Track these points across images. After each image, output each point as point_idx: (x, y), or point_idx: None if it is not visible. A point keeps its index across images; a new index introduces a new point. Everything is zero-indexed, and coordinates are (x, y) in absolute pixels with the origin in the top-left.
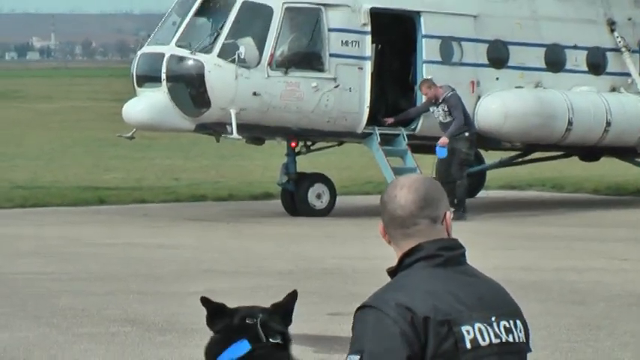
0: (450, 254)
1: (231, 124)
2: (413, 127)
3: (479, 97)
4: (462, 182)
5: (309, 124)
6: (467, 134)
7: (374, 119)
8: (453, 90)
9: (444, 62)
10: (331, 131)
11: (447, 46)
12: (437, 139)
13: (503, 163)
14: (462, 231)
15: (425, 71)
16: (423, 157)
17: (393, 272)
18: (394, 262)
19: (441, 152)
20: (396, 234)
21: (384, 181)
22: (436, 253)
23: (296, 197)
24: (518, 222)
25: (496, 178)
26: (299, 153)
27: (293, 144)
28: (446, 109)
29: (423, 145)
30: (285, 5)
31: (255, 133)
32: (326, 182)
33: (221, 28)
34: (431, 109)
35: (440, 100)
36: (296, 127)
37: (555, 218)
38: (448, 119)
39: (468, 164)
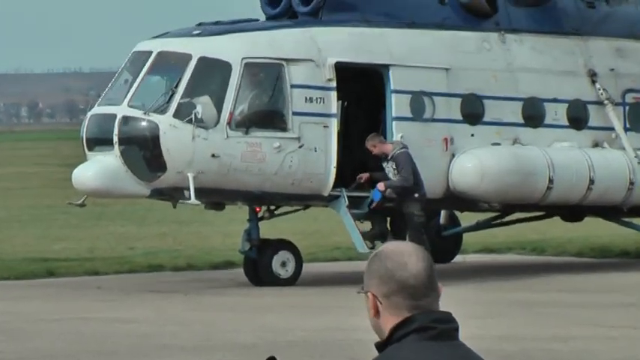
0: (444, 327)
1: (188, 189)
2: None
3: (453, 155)
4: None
5: (272, 187)
6: (416, 195)
7: (341, 181)
8: (403, 147)
9: (415, 118)
10: (296, 194)
11: (418, 101)
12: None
13: (480, 226)
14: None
15: (395, 128)
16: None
17: (382, 345)
18: (368, 334)
19: (377, 195)
20: (402, 304)
21: (352, 246)
22: (430, 325)
23: (259, 265)
24: (497, 288)
25: (473, 242)
26: (262, 218)
27: (256, 209)
28: (394, 166)
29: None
30: (245, 61)
31: (215, 197)
32: (291, 249)
33: (176, 86)
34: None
35: (389, 157)
36: (258, 191)
37: (537, 283)
38: (397, 178)
39: (422, 226)
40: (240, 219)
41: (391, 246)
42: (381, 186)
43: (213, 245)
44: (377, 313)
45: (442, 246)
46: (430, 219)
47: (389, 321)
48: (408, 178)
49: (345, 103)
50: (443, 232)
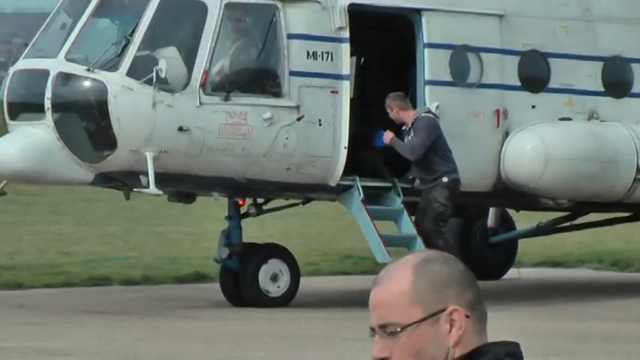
0: None
1: (146, 174)
2: (411, 176)
3: (506, 134)
4: (443, 243)
5: (260, 174)
6: (445, 180)
7: (355, 166)
8: (427, 112)
9: (457, 83)
10: (293, 183)
11: (461, 59)
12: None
13: (542, 230)
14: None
15: (428, 96)
16: None
17: None
18: None
19: (378, 140)
20: (484, 317)
21: (369, 254)
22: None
23: (242, 279)
24: (563, 314)
25: (533, 252)
26: (246, 215)
27: (239, 202)
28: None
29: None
30: (225, 1)
31: (183, 186)
32: (285, 257)
33: (132, 33)
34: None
35: (409, 126)
36: (241, 178)
37: (618, 309)
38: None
39: (444, 220)
40: (216, 216)
41: (434, 250)
42: (388, 135)
43: (179, 251)
44: (460, 338)
45: (490, 256)
46: (473, 220)
47: (472, 343)
48: (415, 148)
49: (362, 61)
50: (491, 237)
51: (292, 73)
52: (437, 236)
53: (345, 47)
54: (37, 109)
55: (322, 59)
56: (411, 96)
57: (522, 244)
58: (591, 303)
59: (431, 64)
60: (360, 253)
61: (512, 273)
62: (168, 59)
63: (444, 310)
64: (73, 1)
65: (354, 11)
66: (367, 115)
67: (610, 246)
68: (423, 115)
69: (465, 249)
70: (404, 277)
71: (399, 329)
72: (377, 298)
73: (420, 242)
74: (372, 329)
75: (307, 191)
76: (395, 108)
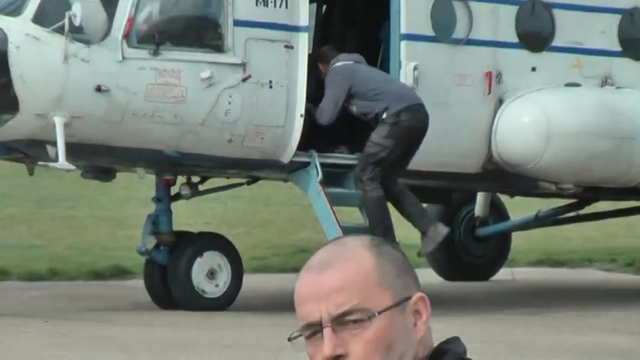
0: None
1: (55, 144)
2: None
3: (500, 102)
4: (366, 195)
5: (195, 146)
6: (384, 116)
7: (313, 139)
8: (343, 60)
9: (440, 38)
10: (236, 159)
11: (445, 9)
12: (429, 174)
13: (541, 221)
14: (466, 336)
15: (404, 53)
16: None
17: None
18: None
19: None
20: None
21: None
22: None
23: (171, 275)
24: (566, 325)
25: (529, 248)
26: (178, 197)
27: (167, 180)
28: None
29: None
30: None
31: (100, 159)
32: (225, 250)
33: None
34: None
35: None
36: (173, 151)
37: (632, 320)
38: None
39: (375, 163)
40: (140, 197)
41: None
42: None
43: (94, 240)
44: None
45: (477, 252)
46: (457, 208)
47: (429, 340)
48: (323, 110)
49: (324, 9)
50: (479, 229)
51: (237, 23)
52: (359, 185)
53: None
54: None
55: (275, 6)
56: (383, 54)
57: (517, 237)
58: (600, 311)
59: (408, 15)
60: (316, 246)
61: (504, 273)
62: (84, 2)
63: (409, 297)
64: None
65: None
66: None
67: (624, 242)
68: (332, 67)
69: (447, 243)
70: (364, 257)
71: (368, 316)
72: (331, 283)
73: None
74: (312, 325)
75: (253, 169)
76: (320, 65)
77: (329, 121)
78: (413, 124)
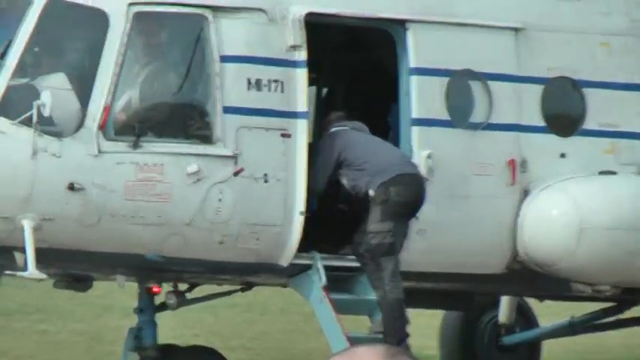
0: None
1: (23, 251)
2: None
3: (525, 193)
4: (391, 298)
5: (182, 249)
6: (371, 193)
7: (314, 238)
8: (341, 127)
9: (456, 123)
10: (228, 263)
11: (461, 89)
12: (446, 276)
13: (576, 328)
14: None
15: (416, 139)
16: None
17: None
18: None
19: None
20: None
21: None
22: None
23: None
24: None
25: (563, 358)
26: (163, 306)
27: (151, 288)
28: None
29: (418, 292)
30: (134, 9)
31: (74, 266)
32: None
33: (3, 54)
34: None
35: None
36: (157, 255)
37: None
38: None
39: (386, 253)
40: (121, 308)
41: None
42: None
43: (69, 357)
44: None
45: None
46: (480, 314)
47: None
48: (312, 181)
49: (324, 93)
50: (504, 337)
51: (227, 110)
52: (377, 284)
53: (301, 73)
54: None
55: (269, 90)
56: (392, 141)
57: (548, 347)
58: None
59: (420, 97)
60: (319, 358)
61: None
62: (55, 90)
63: None
64: None
65: (313, 23)
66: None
67: None
68: (326, 133)
69: (469, 354)
70: None
71: None
72: None
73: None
74: None
75: (248, 274)
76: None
77: (316, 191)
78: (403, 199)
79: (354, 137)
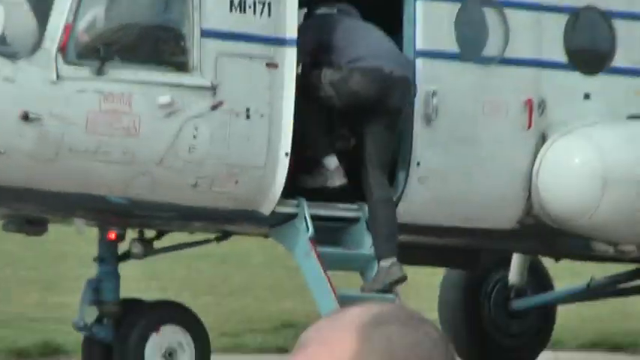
0: None
1: None
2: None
3: (543, 138)
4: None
5: (151, 191)
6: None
7: (298, 182)
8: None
9: (466, 56)
10: (202, 208)
11: (473, 17)
12: (451, 230)
13: (595, 292)
14: None
15: (421, 74)
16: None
17: None
18: None
19: None
20: None
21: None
22: None
23: (118, 357)
24: None
25: (579, 327)
26: (127, 256)
27: (112, 235)
28: None
29: (416, 247)
30: None
31: (27, 207)
32: (188, 324)
33: None
34: None
35: None
36: (121, 197)
37: None
38: None
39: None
40: (78, 256)
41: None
42: None
43: (17, 309)
44: None
45: (512, 331)
46: (487, 274)
47: None
48: None
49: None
50: (514, 301)
51: (206, 34)
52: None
53: None
54: None
55: (254, 12)
56: None
57: (563, 313)
58: None
59: (425, 25)
60: (303, 320)
61: (546, 358)
62: (7, 5)
63: None
64: None
65: None
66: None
67: None
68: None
69: (473, 318)
70: (343, 342)
71: None
72: None
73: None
74: None
75: (225, 221)
76: None
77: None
78: (360, 92)
79: (338, 22)
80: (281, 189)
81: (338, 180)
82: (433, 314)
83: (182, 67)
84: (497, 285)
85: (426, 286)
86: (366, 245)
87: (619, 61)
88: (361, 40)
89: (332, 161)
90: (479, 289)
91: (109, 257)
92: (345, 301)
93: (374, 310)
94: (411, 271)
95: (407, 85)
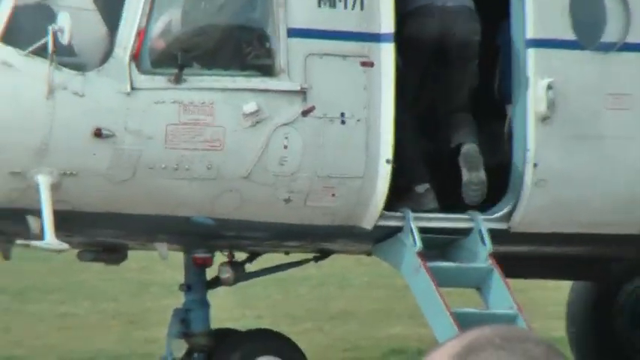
0: None
1: (39, 214)
2: (506, 208)
3: None
4: None
5: (239, 209)
6: None
7: (404, 192)
8: None
9: (584, 44)
10: (297, 225)
11: (590, 1)
12: (574, 238)
13: None
14: None
15: (533, 66)
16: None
17: None
18: None
19: None
20: None
21: (431, 346)
22: None
23: None
24: None
25: None
26: (217, 282)
27: (201, 259)
28: None
29: (538, 258)
30: None
31: (103, 233)
32: (287, 354)
33: None
34: None
35: None
36: (207, 217)
37: None
38: None
39: None
40: (162, 285)
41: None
42: None
43: (98, 346)
44: None
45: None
46: (618, 286)
47: None
48: None
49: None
50: None
51: (293, 33)
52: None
53: None
54: None
55: (345, 6)
56: (501, 67)
57: None
58: None
59: (537, 11)
60: (415, 345)
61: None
62: (75, 11)
63: None
64: None
65: None
66: (426, 106)
67: None
68: None
69: (606, 336)
70: None
71: None
72: None
73: (522, 322)
74: None
75: (323, 239)
76: None
77: None
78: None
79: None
80: (383, 201)
81: (428, 204)
82: (561, 332)
83: (268, 70)
84: (631, 298)
85: (552, 303)
86: (481, 258)
87: None
88: None
89: (422, 186)
90: (611, 302)
91: (197, 284)
92: (462, 321)
93: (468, 339)
94: (532, 285)
95: (467, 14)
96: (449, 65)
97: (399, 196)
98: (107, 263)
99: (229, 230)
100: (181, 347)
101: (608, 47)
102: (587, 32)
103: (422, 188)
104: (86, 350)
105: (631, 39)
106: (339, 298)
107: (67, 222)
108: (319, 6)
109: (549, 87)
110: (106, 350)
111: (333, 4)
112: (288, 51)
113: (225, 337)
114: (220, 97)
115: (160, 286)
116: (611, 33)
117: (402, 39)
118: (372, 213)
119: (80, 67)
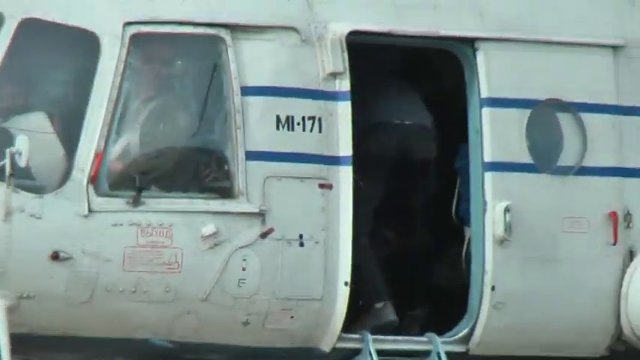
0: None
1: None
2: (464, 331)
3: (630, 254)
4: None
5: (197, 332)
6: None
7: (363, 313)
8: None
9: (540, 167)
10: (255, 348)
11: (546, 123)
12: None
13: None
14: None
15: (490, 189)
16: None
17: None
18: None
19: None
20: None
21: None
22: None
23: None
24: None
25: None
26: None
27: None
28: None
29: None
30: (132, 30)
31: (61, 357)
32: None
33: None
34: None
35: None
36: (165, 340)
37: None
38: None
39: None
40: None
41: None
42: None
43: None
44: None
45: None
46: None
47: None
48: None
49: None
50: None
51: (251, 156)
52: None
53: (344, 108)
54: None
55: (304, 129)
56: (459, 191)
57: None
58: None
59: (494, 135)
60: None
61: None
62: (33, 134)
63: None
64: None
65: (357, 45)
66: (381, 222)
67: None
68: None
69: None
70: None
71: None
72: None
73: None
74: None
75: None
76: None
77: None
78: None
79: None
80: (342, 322)
81: (387, 316)
82: None
83: (227, 193)
84: None
85: None
86: None
87: None
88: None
89: (381, 303)
90: None
91: None
92: None
93: None
94: None
95: (425, 133)
96: (406, 181)
97: (358, 312)
98: None
99: (188, 353)
100: None
101: (565, 171)
102: (544, 156)
103: (381, 304)
104: None
105: (587, 163)
106: None
107: (23, 345)
108: (278, 129)
109: (507, 210)
110: None
111: (291, 127)
112: (246, 173)
113: None
114: (179, 219)
115: None
116: (567, 156)
117: (361, 155)
118: (330, 335)
119: (38, 190)
